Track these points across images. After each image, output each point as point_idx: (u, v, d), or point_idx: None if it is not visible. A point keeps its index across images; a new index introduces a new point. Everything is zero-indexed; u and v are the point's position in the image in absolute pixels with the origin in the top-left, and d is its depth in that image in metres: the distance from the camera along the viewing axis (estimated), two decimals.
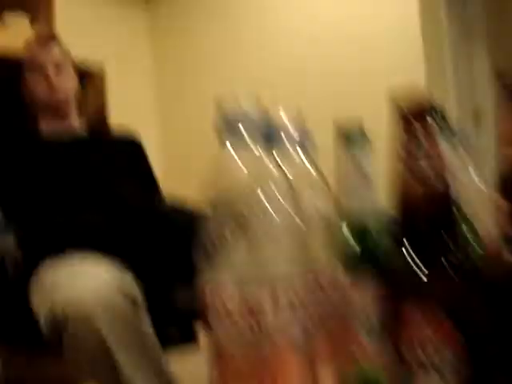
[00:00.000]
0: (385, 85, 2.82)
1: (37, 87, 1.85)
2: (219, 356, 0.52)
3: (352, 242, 0.64)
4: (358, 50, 2.97)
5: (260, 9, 3.34)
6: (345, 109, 2.85)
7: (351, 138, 0.65)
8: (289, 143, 0.62)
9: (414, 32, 2.85)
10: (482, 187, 0.80)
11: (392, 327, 0.56)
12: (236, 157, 0.53)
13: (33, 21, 2.60)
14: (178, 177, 3.48)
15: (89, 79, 2.63)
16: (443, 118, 0.70)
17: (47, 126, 1.89)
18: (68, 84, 1.88)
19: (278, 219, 0.52)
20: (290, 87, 3.14)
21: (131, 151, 1.98)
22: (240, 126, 0.53)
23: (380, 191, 0.69)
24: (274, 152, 0.59)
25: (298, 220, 0.54)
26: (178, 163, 3.55)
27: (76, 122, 1.94)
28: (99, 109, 2.63)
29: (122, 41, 3.57)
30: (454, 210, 0.55)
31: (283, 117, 0.62)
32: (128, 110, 3.28)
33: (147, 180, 1.99)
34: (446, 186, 0.55)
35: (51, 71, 1.84)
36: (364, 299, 0.61)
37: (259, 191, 0.52)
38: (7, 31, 2.41)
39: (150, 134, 3.53)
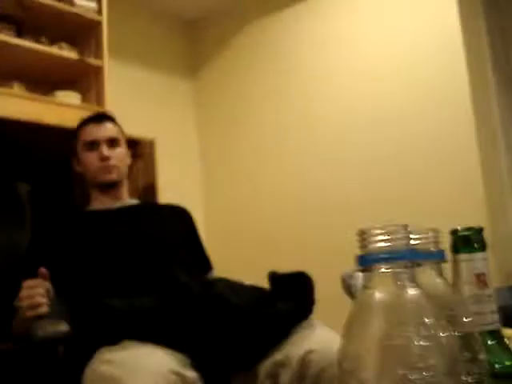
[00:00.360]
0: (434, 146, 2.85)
1: (91, 166, 1.86)
2: None
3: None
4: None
5: (302, 86, 3.38)
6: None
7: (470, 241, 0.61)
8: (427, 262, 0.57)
9: (464, 90, 2.80)
10: None
11: None
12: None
13: (84, 99, 2.66)
14: (220, 248, 3.50)
15: (140, 150, 2.65)
16: None
17: (99, 202, 1.89)
18: (121, 163, 1.89)
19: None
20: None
21: (182, 219, 1.96)
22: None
23: None
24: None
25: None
26: (222, 236, 3.57)
27: (126, 194, 1.95)
28: (149, 179, 2.63)
29: (170, 114, 3.68)
30: None
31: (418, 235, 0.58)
32: (175, 180, 3.33)
33: (197, 249, 1.96)
34: None
35: (105, 148, 1.85)
36: None
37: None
38: (60, 108, 2.45)
39: (195, 205, 3.58)
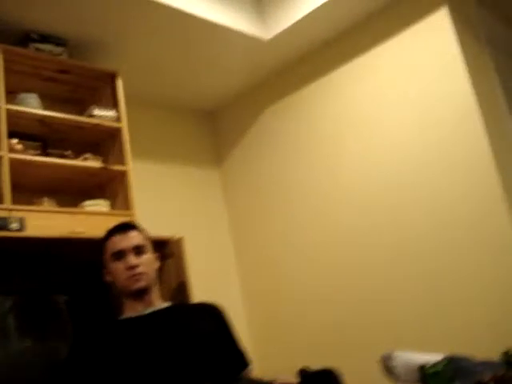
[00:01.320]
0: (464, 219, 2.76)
1: (120, 276, 1.88)
2: None
3: None
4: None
5: (321, 162, 3.41)
6: None
7: None
8: None
9: (487, 157, 2.75)
10: None
11: None
12: None
13: (112, 205, 2.73)
14: (263, 341, 3.45)
15: (170, 250, 2.68)
16: None
17: (131, 309, 1.90)
18: (149, 269, 1.92)
19: None
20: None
21: (212, 318, 1.95)
22: None
23: None
24: None
25: None
26: (264, 329, 3.53)
27: (157, 298, 1.96)
28: (181, 278, 2.64)
29: (199, 208, 3.74)
30: None
31: None
32: (209, 278, 3.34)
33: (231, 347, 1.93)
34: None
35: (131, 257, 1.88)
36: None
37: None
38: (89, 218, 2.52)
39: (233, 300, 3.57)
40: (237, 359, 1.93)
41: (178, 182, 3.68)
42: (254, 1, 3.31)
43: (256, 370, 2.00)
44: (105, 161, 2.76)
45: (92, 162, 2.71)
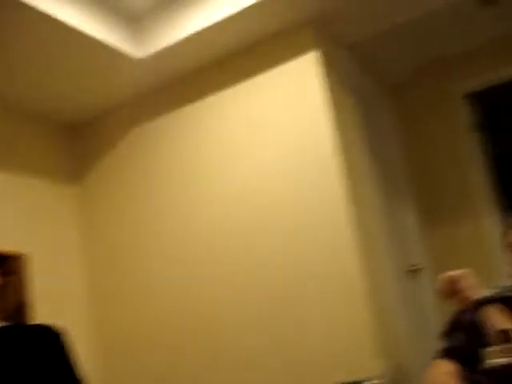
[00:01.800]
0: (316, 254, 2.84)
1: None
2: None
3: None
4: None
5: (179, 188, 3.36)
6: None
7: None
8: None
9: (344, 203, 2.85)
10: None
11: None
12: None
13: None
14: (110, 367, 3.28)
15: (10, 266, 2.47)
16: None
17: None
18: None
19: None
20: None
21: (47, 342, 1.80)
22: None
23: None
24: None
25: None
26: (112, 355, 3.36)
27: None
28: (20, 296, 2.44)
29: (50, 225, 3.49)
30: None
31: None
32: (56, 298, 3.11)
33: (65, 374, 1.79)
34: None
35: None
36: None
37: None
38: None
39: (79, 323, 3.35)
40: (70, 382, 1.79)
41: (28, 195, 3.42)
42: (131, 19, 3.21)
43: None
44: None
45: None
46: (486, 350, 0.87)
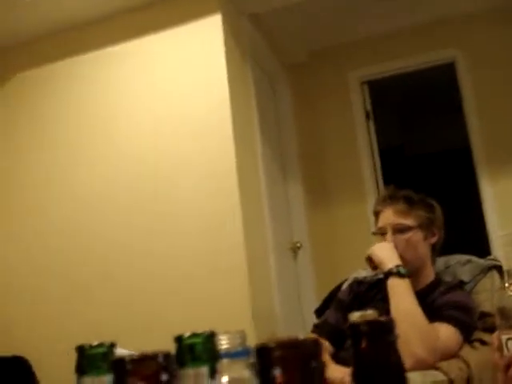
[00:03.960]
0: (199, 224, 2.80)
1: None
2: None
3: None
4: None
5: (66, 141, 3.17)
6: None
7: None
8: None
9: (231, 169, 2.81)
10: None
11: None
12: None
13: None
14: None
15: None
16: None
17: None
18: None
19: None
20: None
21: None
22: None
23: None
24: None
25: None
26: None
27: None
28: None
29: None
30: None
31: None
32: None
33: None
34: None
35: None
36: None
37: None
38: None
39: None
40: None
41: None
42: None
43: None
44: None
45: None
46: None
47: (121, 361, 0.46)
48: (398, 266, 1.76)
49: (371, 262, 1.84)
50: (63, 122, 3.18)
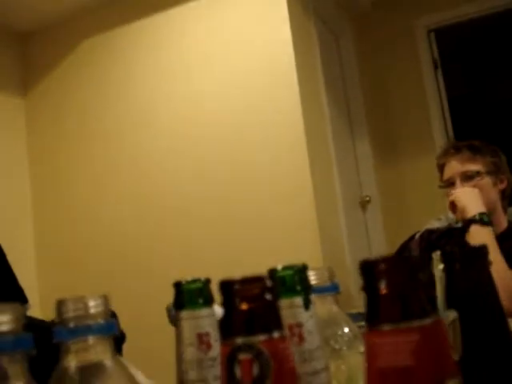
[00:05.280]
0: (269, 177, 2.84)
1: None
2: None
3: None
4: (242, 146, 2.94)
5: (134, 113, 3.25)
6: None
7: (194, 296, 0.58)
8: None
9: (298, 125, 2.81)
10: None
11: None
12: None
13: None
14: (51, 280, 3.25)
15: None
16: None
17: None
18: None
19: None
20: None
21: None
22: None
23: None
24: None
25: None
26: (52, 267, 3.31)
27: None
28: None
29: None
30: None
31: None
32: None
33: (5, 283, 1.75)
34: None
35: None
36: None
37: None
38: None
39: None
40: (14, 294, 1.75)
41: None
42: None
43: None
44: None
45: None
46: None
47: (228, 282, 0.49)
48: (481, 214, 1.72)
49: (454, 207, 1.80)
50: (133, 84, 3.26)
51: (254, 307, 0.51)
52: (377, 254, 3.47)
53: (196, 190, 2.99)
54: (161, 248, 3.04)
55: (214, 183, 2.95)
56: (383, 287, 0.41)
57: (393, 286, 0.40)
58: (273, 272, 0.57)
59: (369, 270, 0.43)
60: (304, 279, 0.57)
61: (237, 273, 0.54)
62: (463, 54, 5.11)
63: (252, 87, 2.93)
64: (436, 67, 3.82)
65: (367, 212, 3.63)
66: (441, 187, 1.93)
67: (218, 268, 2.84)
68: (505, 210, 1.92)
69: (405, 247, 2.16)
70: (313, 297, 0.60)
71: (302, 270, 0.57)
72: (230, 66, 3.00)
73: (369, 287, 0.43)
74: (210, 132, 3.00)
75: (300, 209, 2.74)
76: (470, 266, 0.46)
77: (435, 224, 2.18)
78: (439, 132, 3.71)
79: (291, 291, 0.57)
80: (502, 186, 1.88)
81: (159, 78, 3.18)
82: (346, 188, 3.20)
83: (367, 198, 3.61)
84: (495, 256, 1.65)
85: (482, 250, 0.48)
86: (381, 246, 3.52)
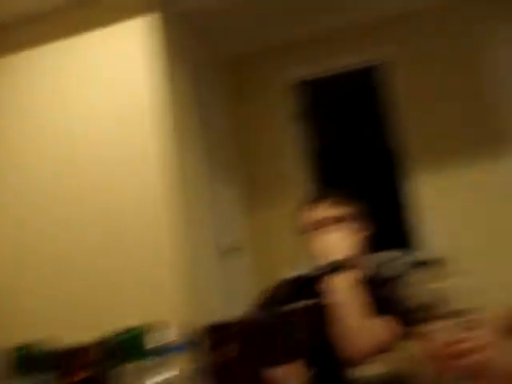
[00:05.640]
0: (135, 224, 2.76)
1: None
2: None
3: None
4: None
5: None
6: None
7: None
8: None
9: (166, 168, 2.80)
10: None
11: None
12: None
13: None
14: None
15: None
16: None
17: None
18: None
19: None
20: None
21: None
22: None
23: None
24: None
25: None
26: None
27: None
28: None
29: None
30: None
31: None
32: None
33: None
34: None
35: None
36: None
37: None
38: None
39: None
40: None
41: None
42: None
43: None
44: None
45: None
46: None
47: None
48: (341, 260, 1.74)
49: (318, 252, 1.81)
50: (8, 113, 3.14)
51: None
52: (243, 301, 3.47)
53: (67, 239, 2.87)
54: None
55: (84, 234, 2.86)
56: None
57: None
58: (110, 338, 0.53)
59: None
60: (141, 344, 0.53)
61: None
62: (333, 104, 5.34)
63: (115, 132, 2.92)
64: (301, 117, 3.97)
65: (235, 259, 3.63)
66: (304, 232, 1.94)
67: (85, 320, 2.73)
68: (367, 256, 1.97)
69: (273, 296, 2.14)
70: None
71: (139, 335, 0.54)
72: (97, 106, 2.97)
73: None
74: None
75: (168, 257, 2.69)
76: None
77: (298, 271, 2.19)
78: (304, 179, 3.83)
79: (132, 355, 0.54)
80: (366, 232, 1.94)
81: (30, 113, 3.09)
82: (215, 235, 3.18)
83: (234, 246, 3.61)
84: (353, 303, 1.67)
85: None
86: (246, 294, 3.51)
